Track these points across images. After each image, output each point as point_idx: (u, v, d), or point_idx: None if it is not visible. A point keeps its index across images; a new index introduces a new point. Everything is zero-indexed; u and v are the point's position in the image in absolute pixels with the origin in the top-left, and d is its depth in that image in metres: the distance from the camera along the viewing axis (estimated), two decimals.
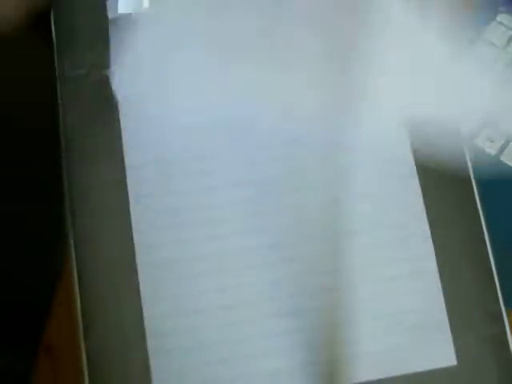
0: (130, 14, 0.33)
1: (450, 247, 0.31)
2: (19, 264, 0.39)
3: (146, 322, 0.30)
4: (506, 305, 0.31)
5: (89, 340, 0.30)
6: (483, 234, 0.32)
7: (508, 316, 0.31)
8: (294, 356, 0.30)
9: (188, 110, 0.32)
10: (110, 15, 0.33)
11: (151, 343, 0.29)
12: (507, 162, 0.37)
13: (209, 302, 0.30)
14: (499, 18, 0.41)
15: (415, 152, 0.32)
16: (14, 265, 0.39)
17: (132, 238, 0.30)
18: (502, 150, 0.38)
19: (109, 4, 0.33)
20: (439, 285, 0.31)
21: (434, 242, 0.31)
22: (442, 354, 0.30)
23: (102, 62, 0.32)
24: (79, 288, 0.30)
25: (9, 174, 0.37)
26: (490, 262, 0.31)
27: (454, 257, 0.31)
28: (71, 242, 0.30)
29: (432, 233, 0.31)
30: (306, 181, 0.32)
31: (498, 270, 0.31)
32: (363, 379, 0.30)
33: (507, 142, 0.38)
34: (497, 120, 0.36)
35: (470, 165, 0.32)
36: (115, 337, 0.30)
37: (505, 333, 0.30)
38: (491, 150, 0.38)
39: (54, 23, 0.33)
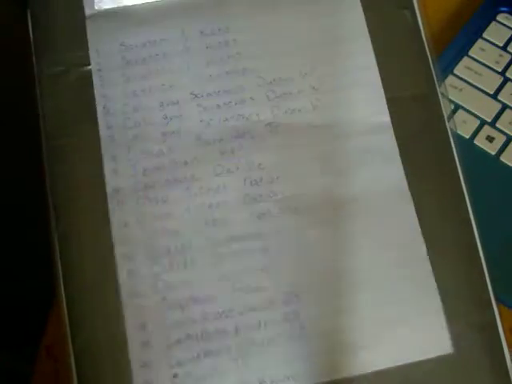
0: (107, 10, 0.33)
1: (438, 229, 0.31)
2: (19, 267, 0.40)
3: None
4: (497, 300, 0.31)
5: (76, 343, 0.29)
6: (471, 224, 0.31)
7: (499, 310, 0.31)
8: (288, 348, 0.30)
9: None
10: (87, 12, 0.33)
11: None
12: (507, 162, 0.37)
13: (200, 307, 0.30)
14: (499, 17, 0.41)
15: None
16: (14, 267, 0.39)
17: (111, 236, 0.30)
18: (501, 150, 0.38)
19: (86, 0, 0.33)
20: (431, 272, 0.30)
21: (421, 223, 0.31)
22: (438, 342, 0.30)
23: (80, 59, 0.32)
24: (65, 289, 0.30)
25: None
26: (478, 248, 0.31)
27: (444, 243, 0.31)
28: (55, 242, 0.30)
29: (419, 214, 0.31)
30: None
31: (489, 264, 0.31)
32: (358, 372, 0.29)
33: (507, 142, 0.38)
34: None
35: (456, 158, 0.32)
36: (102, 339, 0.29)
37: (495, 319, 0.30)
38: (491, 150, 0.38)
39: (32, 21, 0.33)
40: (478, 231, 0.31)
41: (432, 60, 0.33)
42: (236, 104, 0.32)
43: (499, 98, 0.39)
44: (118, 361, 0.29)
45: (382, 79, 0.32)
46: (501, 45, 0.40)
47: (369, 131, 0.32)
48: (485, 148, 0.38)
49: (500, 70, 0.40)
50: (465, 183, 0.32)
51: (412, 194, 0.31)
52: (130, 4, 0.33)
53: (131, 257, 0.30)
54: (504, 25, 0.41)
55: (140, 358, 0.29)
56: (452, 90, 0.39)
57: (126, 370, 0.29)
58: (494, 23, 0.41)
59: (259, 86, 0.32)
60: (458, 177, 0.32)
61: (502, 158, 0.38)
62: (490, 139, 0.38)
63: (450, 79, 0.39)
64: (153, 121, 0.32)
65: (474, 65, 0.40)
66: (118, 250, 0.30)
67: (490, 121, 0.38)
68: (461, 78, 0.39)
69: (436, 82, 0.33)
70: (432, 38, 0.42)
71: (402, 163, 0.32)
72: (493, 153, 0.38)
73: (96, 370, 0.29)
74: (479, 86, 0.39)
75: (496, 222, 0.36)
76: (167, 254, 0.30)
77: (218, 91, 0.32)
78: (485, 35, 0.40)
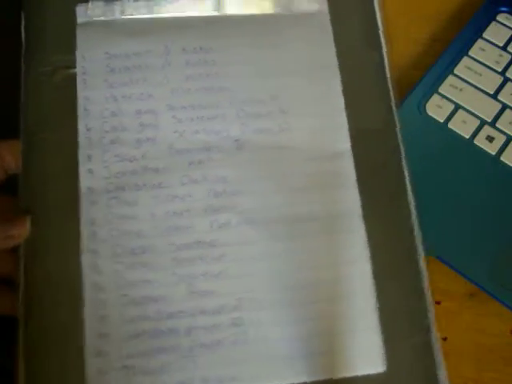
0: (98, 20, 0.35)
1: (386, 253, 0.32)
2: None
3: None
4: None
5: (27, 330, 0.30)
6: (415, 243, 0.32)
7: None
8: (233, 351, 0.30)
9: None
10: (79, 20, 0.35)
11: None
12: (507, 162, 0.37)
13: (155, 306, 0.31)
14: (499, 17, 0.41)
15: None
16: None
17: (79, 232, 0.31)
18: (501, 150, 0.38)
19: (78, 9, 0.35)
20: (373, 292, 0.31)
21: (370, 246, 0.32)
22: (371, 360, 0.30)
23: (67, 62, 0.34)
24: (24, 274, 0.31)
25: None
26: (421, 275, 0.32)
27: (388, 265, 0.32)
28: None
29: (369, 238, 0.32)
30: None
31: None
32: (295, 381, 0.30)
33: (507, 142, 0.38)
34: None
35: (409, 188, 0.33)
36: (51, 326, 0.30)
37: (432, 342, 0.31)
38: (491, 150, 0.38)
39: (25, 22, 0.34)
40: (424, 261, 0.32)
41: (394, 99, 0.34)
42: (208, 119, 0.33)
43: (499, 97, 0.39)
44: (65, 348, 0.30)
45: (347, 110, 0.34)
46: (501, 45, 0.40)
47: (330, 157, 0.33)
48: (485, 148, 0.38)
49: (500, 70, 0.39)
50: (414, 213, 0.32)
51: (364, 218, 0.32)
52: (119, 17, 0.35)
53: (96, 253, 0.31)
54: (504, 25, 0.41)
55: (96, 347, 0.30)
56: (452, 89, 0.39)
57: (75, 358, 0.30)
58: (494, 23, 0.41)
59: (231, 104, 0.34)
60: (408, 206, 0.32)
61: (502, 158, 0.37)
62: (490, 139, 0.38)
63: (450, 79, 0.39)
64: (129, 127, 0.33)
65: (474, 65, 0.40)
66: (85, 245, 0.31)
67: (490, 121, 0.38)
68: (461, 78, 0.39)
69: (396, 119, 0.34)
70: (432, 39, 0.42)
71: (358, 189, 0.33)
72: (493, 153, 0.38)
73: (43, 356, 0.30)
74: (479, 86, 0.39)
75: (496, 222, 0.36)
76: (130, 253, 0.31)
77: (193, 105, 0.34)
78: (485, 35, 0.40)
